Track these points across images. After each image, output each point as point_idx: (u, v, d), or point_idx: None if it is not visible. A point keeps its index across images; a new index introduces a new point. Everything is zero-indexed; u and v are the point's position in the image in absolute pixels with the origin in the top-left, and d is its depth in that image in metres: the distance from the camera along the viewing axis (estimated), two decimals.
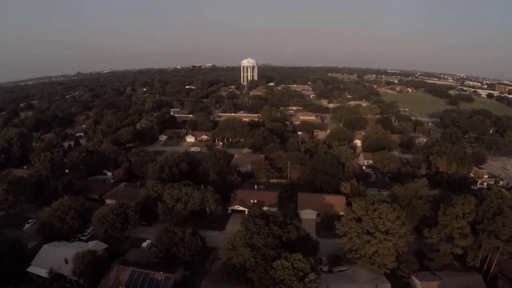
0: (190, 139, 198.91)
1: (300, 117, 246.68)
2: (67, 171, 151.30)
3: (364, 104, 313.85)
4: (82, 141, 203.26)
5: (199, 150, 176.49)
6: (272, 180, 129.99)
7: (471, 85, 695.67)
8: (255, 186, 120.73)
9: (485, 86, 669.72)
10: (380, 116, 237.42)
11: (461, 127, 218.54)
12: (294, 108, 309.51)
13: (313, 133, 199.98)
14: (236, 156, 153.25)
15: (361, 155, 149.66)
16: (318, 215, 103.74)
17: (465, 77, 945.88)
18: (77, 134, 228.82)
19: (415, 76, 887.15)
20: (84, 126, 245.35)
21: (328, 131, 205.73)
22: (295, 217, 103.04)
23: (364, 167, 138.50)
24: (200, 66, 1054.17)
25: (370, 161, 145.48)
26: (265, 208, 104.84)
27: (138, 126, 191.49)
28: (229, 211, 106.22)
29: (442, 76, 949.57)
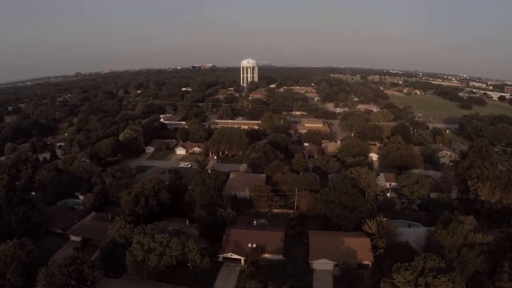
0: (180, 151, 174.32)
1: (306, 125, 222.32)
2: (33, 193, 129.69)
3: (374, 108, 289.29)
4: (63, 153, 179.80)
5: (189, 166, 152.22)
6: (275, 210, 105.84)
7: (477, 86, 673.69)
8: (254, 221, 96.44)
9: (491, 87, 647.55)
10: (396, 123, 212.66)
11: (485, 137, 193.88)
12: (298, 113, 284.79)
13: (321, 144, 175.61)
14: (232, 175, 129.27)
15: (382, 175, 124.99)
16: (336, 265, 79.78)
17: (467, 77, 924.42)
18: (58, 144, 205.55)
19: (418, 77, 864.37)
20: (66, 134, 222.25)
21: (339, 141, 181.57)
22: (306, 267, 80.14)
23: (388, 194, 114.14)
24: (199, 67, 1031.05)
25: (393, 184, 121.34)
26: (266, 256, 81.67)
27: (121, 137, 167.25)
28: (220, 258, 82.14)
29: (445, 76, 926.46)
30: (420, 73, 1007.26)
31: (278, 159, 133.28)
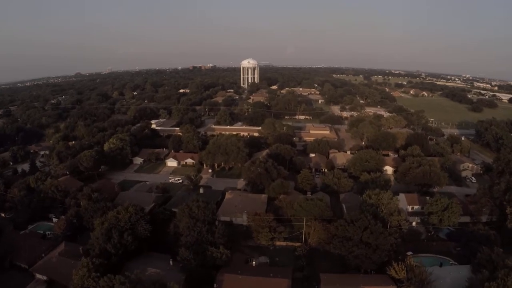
0: (171, 163, 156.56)
1: (311, 131, 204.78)
2: (2, 215, 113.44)
3: (382, 112, 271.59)
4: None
5: (180, 181, 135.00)
6: (279, 243, 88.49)
7: (482, 87, 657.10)
8: (253, 262, 78.96)
9: (496, 88, 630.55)
10: (409, 130, 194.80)
11: (507, 146, 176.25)
12: (302, 117, 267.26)
13: (329, 155, 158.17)
14: (227, 195, 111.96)
15: (403, 197, 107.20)
16: None
17: (471, 78, 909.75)
18: (42, 153, 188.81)
19: (422, 78, 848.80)
20: (51, 142, 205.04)
21: (348, 151, 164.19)
22: None
23: (414, 223, 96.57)
24: (200, 67, 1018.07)
25: (416, 207, 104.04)
26: None
27: (105, 147, 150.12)
28: None
29: (449, 77, 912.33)
30: (422, 74, 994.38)
31: (281, 176, 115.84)
